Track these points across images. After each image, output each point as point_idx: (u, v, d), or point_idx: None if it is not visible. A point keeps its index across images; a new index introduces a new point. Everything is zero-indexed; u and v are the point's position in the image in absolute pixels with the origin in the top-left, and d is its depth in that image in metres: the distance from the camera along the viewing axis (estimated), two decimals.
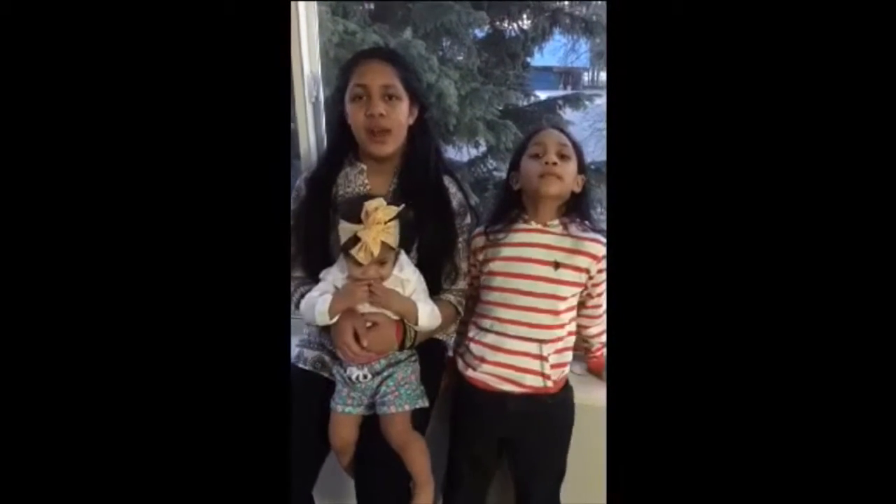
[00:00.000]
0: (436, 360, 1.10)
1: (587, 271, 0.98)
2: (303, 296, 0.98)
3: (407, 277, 0.94)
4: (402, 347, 0.96)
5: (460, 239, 1.05)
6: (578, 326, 1.06)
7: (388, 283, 0.93)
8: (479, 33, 3.83)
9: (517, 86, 3.99)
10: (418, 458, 0.95)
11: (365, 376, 0.95)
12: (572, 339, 1.03)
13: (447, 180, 1.07)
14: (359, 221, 0.86)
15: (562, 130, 1.02)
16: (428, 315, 0.94)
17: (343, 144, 1.07)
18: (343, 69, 1.04)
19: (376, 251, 0.86)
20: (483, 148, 3.76)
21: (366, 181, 1.05)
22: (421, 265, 0.99)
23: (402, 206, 0.89)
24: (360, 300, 0.91)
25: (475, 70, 3.70)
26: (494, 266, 1.01)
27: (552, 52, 4.54)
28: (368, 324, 0.92)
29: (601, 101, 4.06)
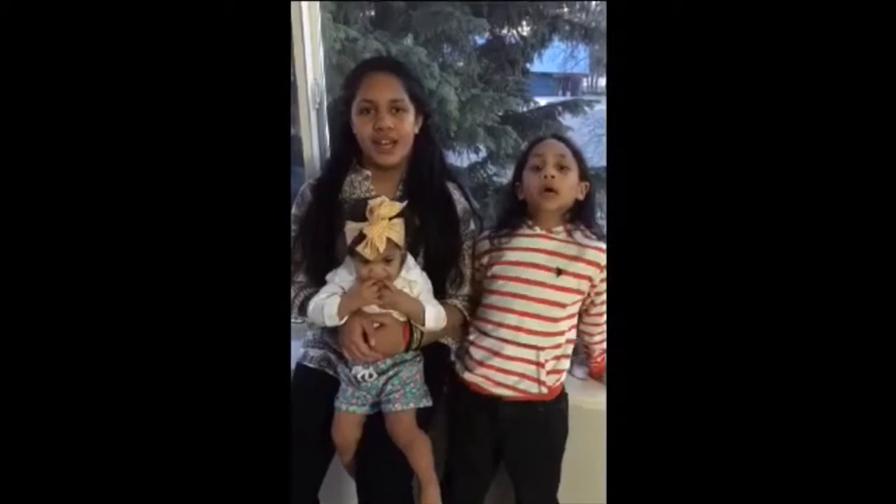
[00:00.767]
0: (439, 362, 1.11)
1: (590, 279, 0.98)
2: (307, 298, 0.98)
3: (414, 279, 0.95)
4: (407, 349, 0.97)
5: (465, 245, 1.07)
6: (581, 333, 1.06)
7: (395, 285, 0.93)
8: (480, 40, 3.85)
9: (517, 92, 4.01)
10: (423, 457, 0.95)
11: (371, 375, 0.96)
12: (571, 346, 1.03)
13: (451, 187, 1.09)
14: (364, 220, 0.88)
15: (562, 139, 1.03)
16: (434, 317, 0.95)
17: (348, 152, 1.08)
18: (348, 80, 1.06)
19: (382, 246, 0.87)
20: (483, 153, 3.78)
21: (371, 187, 1.07)
22: (426, 271, 1.00)
23: (406, 202, 0.91)
24: (368, 300, 0.92)
25: (475, 76, 3.72)
26: (496, 270, 1.01)
27: (551, 59, 4.57)
28: (376, 324, 0.93)
29: (600, 107, 4.08)
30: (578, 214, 1.02)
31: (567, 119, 4.06)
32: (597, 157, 3.11)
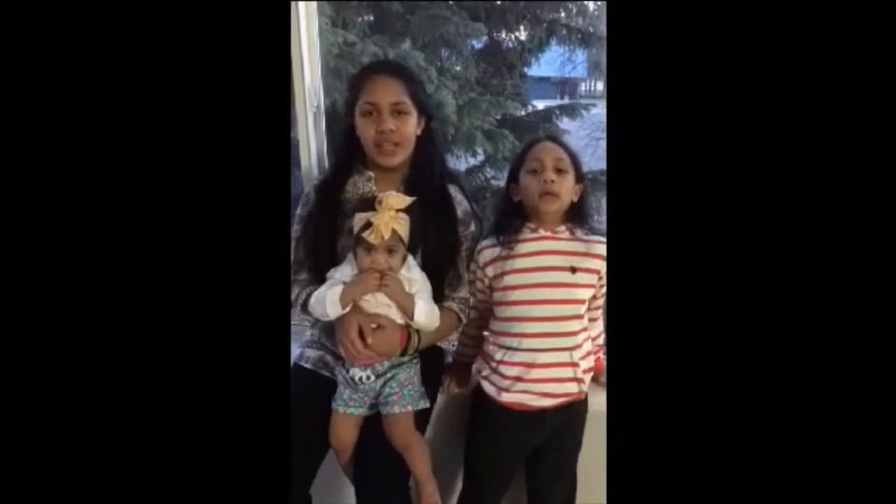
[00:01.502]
0: (436, 365, 1.12)
1: (598, 272, 0.99)
2: (310, 295, 0.99)
3: (414, 277, 0.96)
4: (404, 353, 0.97)
5: (464, 247, 1.07)
6: None
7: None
8: (477, 44, 3.87)
9: (514, 96, 4.02)
10: (420, 458, 0.96)
11: (368, 377, 0.96)
12: (590, 341, 1.04)
13: (452, 188, 1.10)
14: (373, 211, 0.90)
15: (557, 140, 1.03)
16: (426, 313, 0.95)
17: (351, 153, 1.09)
18: (351, 83, 1.07)
19: (387, 234, 0.89)
20: (481, 157, 3.78)
21: (374, 188, 1.08)
22: (424, 270, 1.00)
23: (415, 197, 0.93)
24: (371, 288, 0.93)
25: (473, 80, 3.73)
26: (510, 280, 1.00)
27: (549, 63, 4.58)
28: (374, 325, 0.94)
29: (597, 111, 4.09)
30: (574, 216, 1.02)
31: (564, 122, 4.07)
32: (594, 160, 3.12)
